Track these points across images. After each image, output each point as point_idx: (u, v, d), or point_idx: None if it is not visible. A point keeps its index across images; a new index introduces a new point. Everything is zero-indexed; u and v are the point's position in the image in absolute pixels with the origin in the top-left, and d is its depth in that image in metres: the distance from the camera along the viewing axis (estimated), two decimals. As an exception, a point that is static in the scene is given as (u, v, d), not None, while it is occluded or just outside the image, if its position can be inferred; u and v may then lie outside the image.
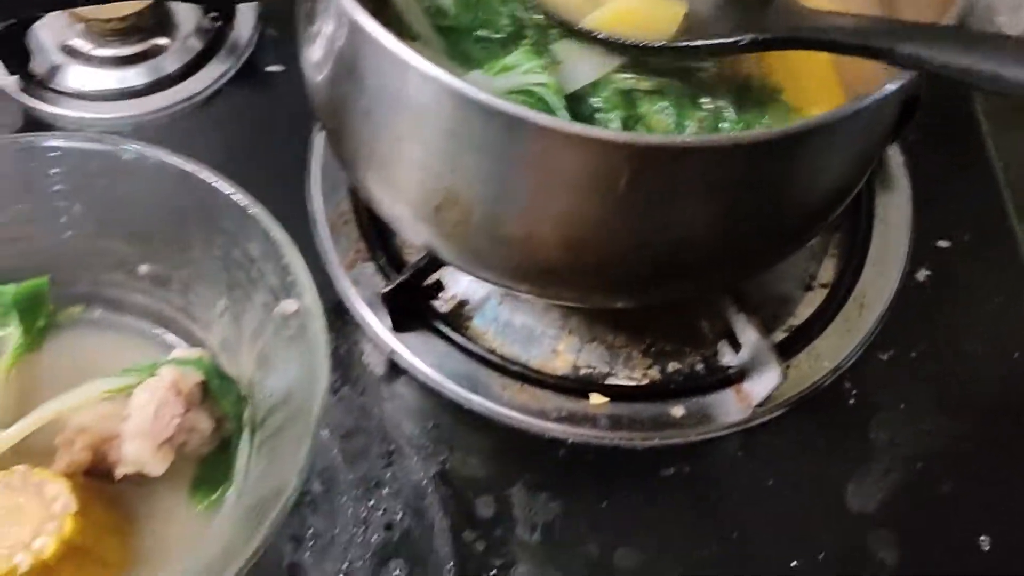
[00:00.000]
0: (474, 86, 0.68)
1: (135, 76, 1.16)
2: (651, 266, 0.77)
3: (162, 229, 0.88)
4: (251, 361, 0.86)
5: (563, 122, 0.65)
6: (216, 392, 0.82)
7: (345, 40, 0.77)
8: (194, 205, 0.85)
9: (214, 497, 0.82)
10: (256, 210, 0.82)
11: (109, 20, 1.15)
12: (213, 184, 0.83)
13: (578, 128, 0.65)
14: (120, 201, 0.87)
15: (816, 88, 0.89)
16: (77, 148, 0.85)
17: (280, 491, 0.71)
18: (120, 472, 0.79)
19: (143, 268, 0.90)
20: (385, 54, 0.71)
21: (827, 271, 1.06)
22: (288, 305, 0.80)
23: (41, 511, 0.75)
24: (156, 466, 0.79)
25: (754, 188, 0.73)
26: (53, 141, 0.86)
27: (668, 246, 0.75)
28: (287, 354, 0.81)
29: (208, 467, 0.83)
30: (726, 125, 0.86)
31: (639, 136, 0.69)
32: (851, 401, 0.97)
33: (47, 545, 0.73)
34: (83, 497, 0.76)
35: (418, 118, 0.74)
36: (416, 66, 0.69)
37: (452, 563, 0.87)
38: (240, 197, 0.82)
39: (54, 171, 0.86)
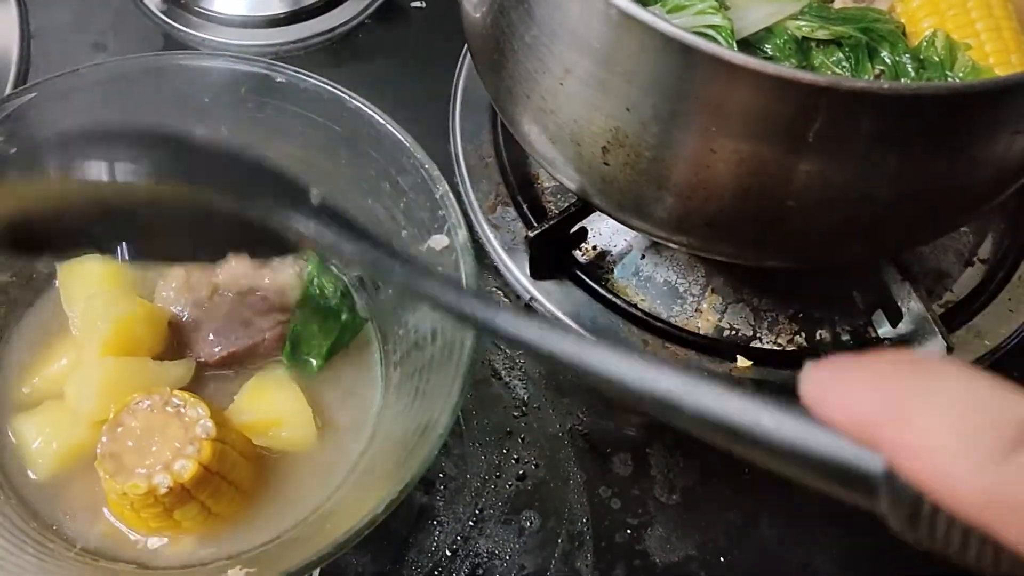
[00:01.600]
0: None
1: (278, 4, 1.14)
2: (829, 223, 0.73)
3: (307, 156, 0.85)
4: (392, 297, 0.84)
5: (761, 62, 0.61)
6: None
7: (516, -32, 0.74)
8: (344, 134, 0.83)
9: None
10: (409, 141, 0.79)
11: (256, -55, 1.14)
12: (368, 113, 0.81)
13: (776, 68, 0.61)
14: (267, 126, 0.85)
15: (1003, 48, 0.83)
16: (229, 69, 0.84)
17: (430, 428, 0.69)
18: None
19: (285, 196, 0.88)
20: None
21: (987, 247, 1.00)
22: (439, 240, 0.77)
23: (181, 434, 0.74)
24: None
25: (951, 143, 0.68)
26: (206, 61, 0.85)
27: (851, 202, 0.71)
28: (435, 291, 0.78)
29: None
30: (906, 82, 0.81)
31: (842, 80, 0.65)
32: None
33: (187, 468, 0.72)
34: (219, 422, 0.75)
35: (594, 51, 0.70)
36: (600, -6, 0.65)
37: (586, 518, 0.84)
38: (394, 127, 0.80)
39: (205, 92, 0.84)
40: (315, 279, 0.82)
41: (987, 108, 0.67)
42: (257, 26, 1.13)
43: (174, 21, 1.12)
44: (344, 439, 0.81)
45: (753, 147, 0.68)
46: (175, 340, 0.83)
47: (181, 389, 0.79)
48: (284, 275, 0.83)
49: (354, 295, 0.86)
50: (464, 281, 0.74)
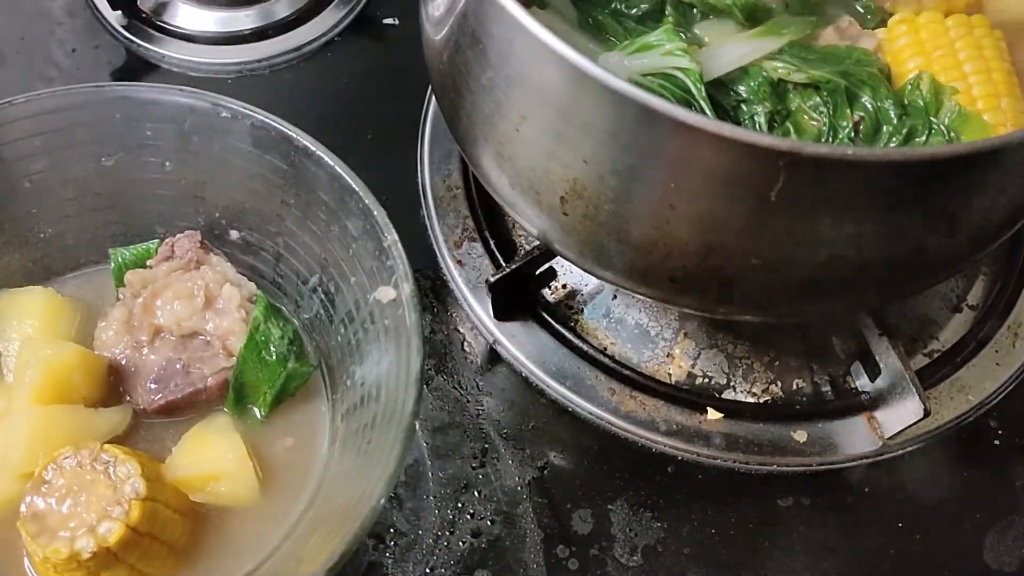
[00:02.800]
0: (611, 70, 0.60)
1: (244, 20, 1.10)
2: (795, 282, 0.69)
3: (256, 194, 0.82)
4: (341, 346, 0.80)
5: (717, 124, 0.57)
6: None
7: (470, 4, 0.69)
8: (292, 172, 0.78)
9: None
10: (358, 185, 0.75)
11: (223, -43, 1.10)
12: (315, 152, 0.76)
13: (732, 130, 0.57)
14: (213, 161, 0.81)
15: (992, 92, 0.79)
16: (173, 102, 0.80)
17: (364, 500, 0.65)
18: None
19: (233, 234, 0.84)
20: (513, 26, 0.64)
21: (977, 291, 0.96)
22: (386, 292, 0.73)
23: (109, 493, 0.70)
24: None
25: (925, 206, 0.64)
26: (149, 93, 0.80)
27: (818, 263, 0.66)
28: (381, 345, 0.74)
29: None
30: (887, 129, 0.77)
31: (803, 145, 0.60)
32: (996, 442, 0.88)
33: (113, 531, 0.68)
34: (152, 477, 0.71)
35: (548, 101, 0.66)
36: (549, 45, 0.61)
37: (541, 581, 0.80)
38: (342, 169, 0.76)
39: (147, 125, 0.80)
40: (261, 324, 0.78)
41: (963, 171, 0.62)
42: (222, 43, 1.08)
43: (135, 37, 1.07)
44: (287, 495, 0.77)
45: (714, 205, 0.64)
46: (113, 384, 0.80)
47: (116, 438, 0.76)
48: (229, 319, 0.79)
49: (304, 340, 0.82)
50: (410, 336, 0.70)
